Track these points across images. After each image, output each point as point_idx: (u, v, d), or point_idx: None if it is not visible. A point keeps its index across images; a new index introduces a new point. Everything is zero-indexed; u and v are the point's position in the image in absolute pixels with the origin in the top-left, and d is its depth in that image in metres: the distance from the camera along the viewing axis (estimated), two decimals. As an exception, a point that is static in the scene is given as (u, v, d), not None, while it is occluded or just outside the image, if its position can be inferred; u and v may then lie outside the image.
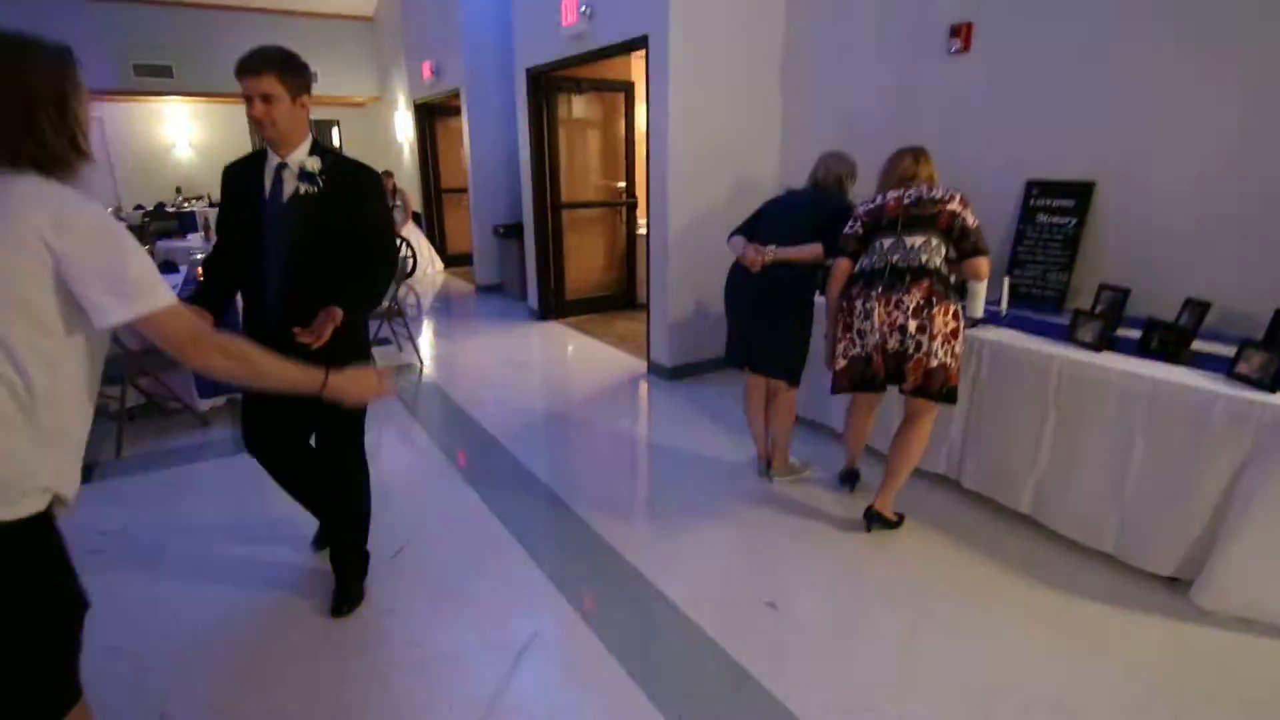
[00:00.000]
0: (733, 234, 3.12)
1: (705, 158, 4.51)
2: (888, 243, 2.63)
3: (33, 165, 1.14)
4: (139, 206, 9.98)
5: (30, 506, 1.17)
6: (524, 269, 6.86)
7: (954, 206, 2.55)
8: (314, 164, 2.00)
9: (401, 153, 10.42)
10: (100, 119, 10.60)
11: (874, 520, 2.76)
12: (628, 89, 6.53)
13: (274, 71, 1.87)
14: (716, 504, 3.06)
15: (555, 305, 6.58)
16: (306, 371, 1.45)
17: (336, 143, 12.40)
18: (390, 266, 2.17)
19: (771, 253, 2.93)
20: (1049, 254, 3.30)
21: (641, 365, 5.08)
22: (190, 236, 7.29)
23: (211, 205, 10.39)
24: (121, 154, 10.71)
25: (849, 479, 3.15)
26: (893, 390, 2.72)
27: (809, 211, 2.99)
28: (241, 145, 11.51)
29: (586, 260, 6.75)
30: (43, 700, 1.23)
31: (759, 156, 4.69)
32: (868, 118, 4.05)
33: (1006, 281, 3.17)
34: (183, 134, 11.09)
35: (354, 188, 2.06)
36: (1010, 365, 2.78)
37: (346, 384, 1.55)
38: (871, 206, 2.72)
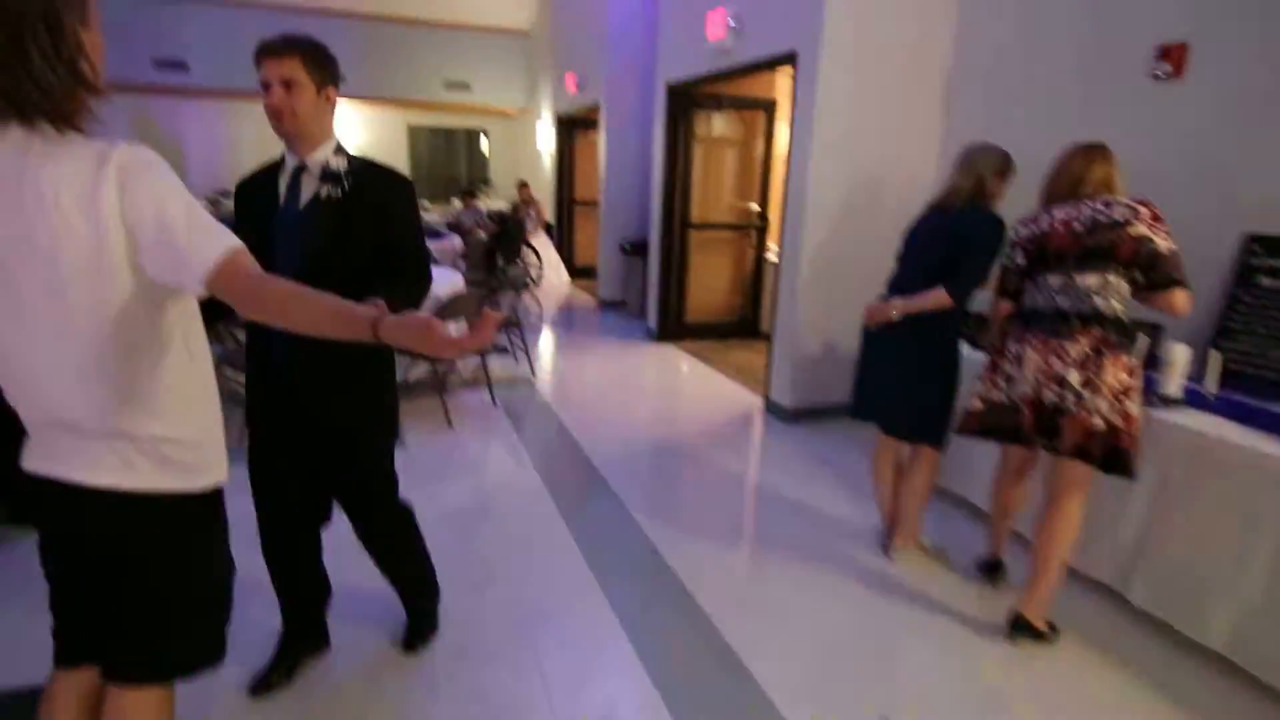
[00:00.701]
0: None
1: (849, 184, 4.15)
2: (1055, 281, 2.22)
3: (39, 114, 1.01)
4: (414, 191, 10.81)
5: (223, 471, 1.31)
6: (646, 287, 6.73)
7: (1139, 230, 2.09)
8: (339, 163, 1.74)
9: (541, 163, 10.66)
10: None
11: (1019, 628, 2.32)
12: (769, 107, 6.25)
13: (298, 55, 1.64)
14: (828, 575, 2.72)
15: (674, 327, 6.38)
16: (353, 311, 1.13)
17: (485, 151, 12.93)
18: (423, 284, 1.86)
19: (896, 310, 2.54)
20: (1271, 325, 2.70)
21: (758, 402, 4.77)
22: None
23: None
24: (294, 152, 11.66)
25: (991, 570, 2.70)
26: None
27: (935, 241, 2.55)
28: (397, 148, 12.25)
29: (710, 283, 6.51)
30: (209, 652, 1.35)
31: (912, 186, 4.26)
32: (1042, 149, 3.54)
33: (1213, 356, 2.62)
34: (348, 136, 11.93)
35: (383, 193, 1.79)
36: (1211, 461, 2.26)
37: (401, 333, 1.11)
38: (1033, 231, 2.29)
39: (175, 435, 1.19)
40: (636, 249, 7.14)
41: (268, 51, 1.64)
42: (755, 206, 6.48)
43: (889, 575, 2.74)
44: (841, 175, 4.12)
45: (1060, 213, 2.25)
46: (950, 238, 2.50)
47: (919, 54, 4.07)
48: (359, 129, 11.95)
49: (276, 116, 1.66)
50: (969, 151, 2.54)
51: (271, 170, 1.80)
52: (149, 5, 9.09)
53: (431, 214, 10.16)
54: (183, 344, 1.20)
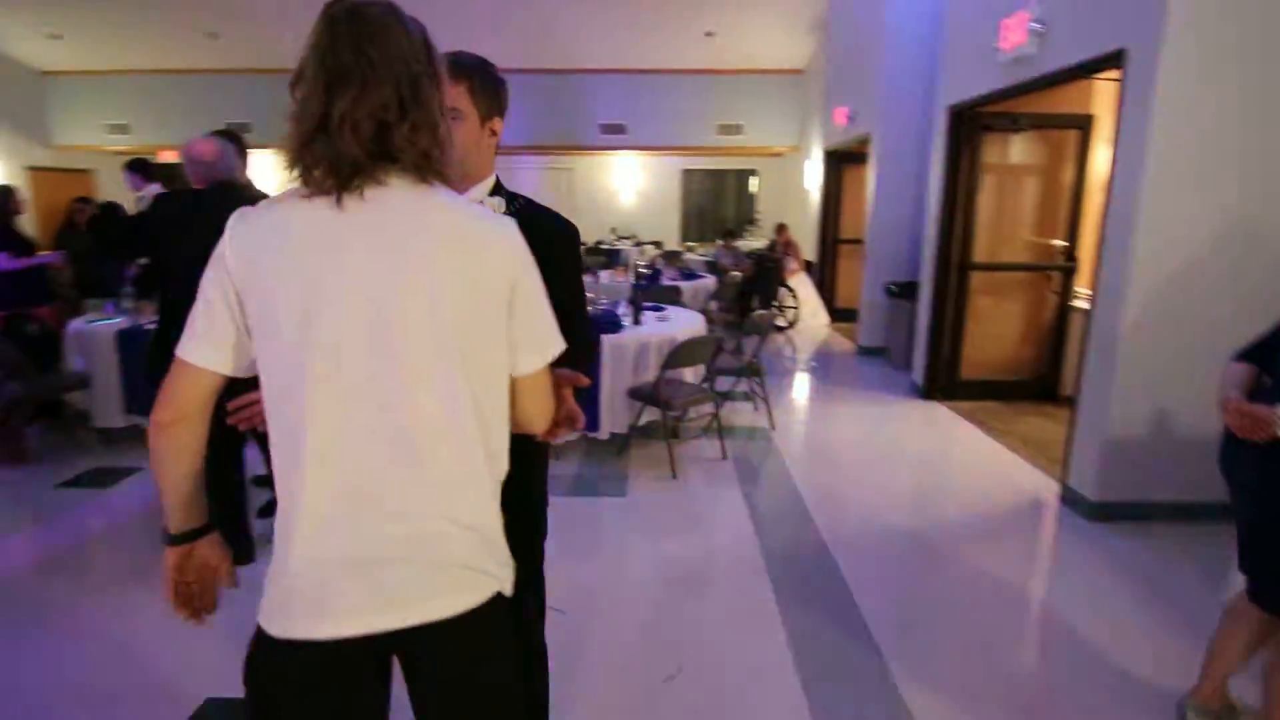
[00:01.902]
0: (1236, 357, 1.92)
1: (1199, 215, 3.12)
2: None
3: (414, 169, 0.96)
4: (581, 242, 11.72)
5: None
6: (913, 335, 5.92)
7: None
8: (497, 205, 1.47)
9: (808, 200, 10.26)
10: (572, 169, 12.84)
11: None
12: (1083, 125, 5.14)
13: (465, 81, 1.38)
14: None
15: (945, 383, 5.49)
16: None
17: (754, 191, 12.90)
18: (593, 349, 1.47)
19: None
20: None
21: (1052, 487, 3.78)
22: (602, 273, 8.06)
23: (638, 244, 11.67)
24: (578, 198, 12.76)
25: None
26: None
27: None
28: (671, 192, 12.76)
29: (994, 332, 5.50)
30: None
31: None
32: None
33: None
34: (629, 182, 12.73)
35: (543, 244, 1.42)
36: None
37: None
38: None
39: (499, 526, 1.07)
40: (904, 291, 6.35)
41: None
42: (1059, 243, 5.36)
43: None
44: (1189, 207, 3.11)
45: None
46: None
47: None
48: (638, 175, 12.70)
49: None
50: None
51: None
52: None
53: (693, 254, 10.32)
54: None
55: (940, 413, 5.24)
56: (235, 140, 2.74)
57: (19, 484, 3.77)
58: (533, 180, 12.31)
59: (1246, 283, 3.13)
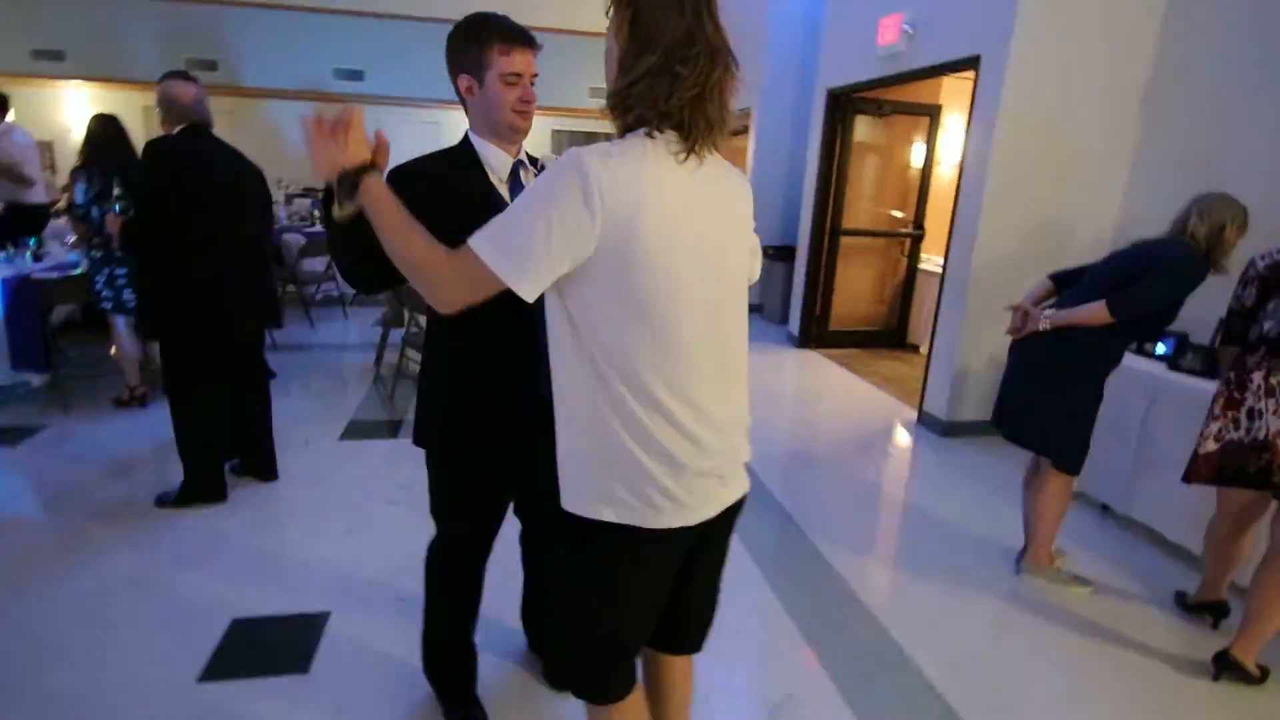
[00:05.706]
0: (1050, 275, 2.71)
1: (1028, 195, 3.98)
2: None
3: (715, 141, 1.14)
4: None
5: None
6: (789, 293, 6.71)
7: None
8: (548, 157, 1.57)
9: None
10: (439, 124, 12.47)
11: (1226, 667, 2.17)
12: (933, 113, 6.07)
13: (537, 48, 1.52)
14: (976, 591, 2.65)
15: (817, 334, 6.33)
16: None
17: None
18: None
19: (1045, 320, 2.47)
20: None
21: (909, 413, 4.65)
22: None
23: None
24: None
25: (1209, 611, 2.48)
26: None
27: (1121, 261, 2.47)
28: (541, 151, 12.79)
29: (857, 291, 6.41)
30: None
31: (1096, 199, 4.04)
32: (1255, 165, 3.25)
33: None
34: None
35: None
36: None
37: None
38: (1275, 260, 2.14)
39: None
40: (780, 254, 7.12)
41: (527, 41, 1.49)
42: (899, 214, 6.32)
43: (1066, 608, 2.63)
44: (1018, 185, 3.96)
45: None
46: (1139, 259, 2.42)
47: (1114, 61, 3.84)
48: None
49: (523, 116, 1.50)
50: (1202, 202, 2.37)
51: (460, 159, 1.55)
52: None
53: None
54: None
55: (814, 358, 6.07)
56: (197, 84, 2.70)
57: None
58: (420, 133, 11.81)
59: (1057, 240, 4.03)
